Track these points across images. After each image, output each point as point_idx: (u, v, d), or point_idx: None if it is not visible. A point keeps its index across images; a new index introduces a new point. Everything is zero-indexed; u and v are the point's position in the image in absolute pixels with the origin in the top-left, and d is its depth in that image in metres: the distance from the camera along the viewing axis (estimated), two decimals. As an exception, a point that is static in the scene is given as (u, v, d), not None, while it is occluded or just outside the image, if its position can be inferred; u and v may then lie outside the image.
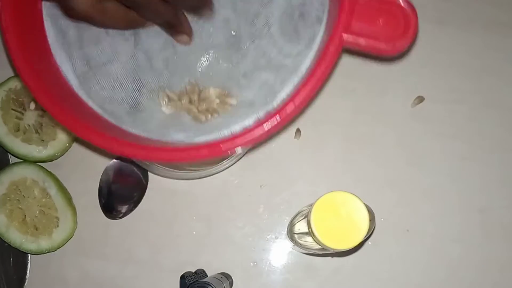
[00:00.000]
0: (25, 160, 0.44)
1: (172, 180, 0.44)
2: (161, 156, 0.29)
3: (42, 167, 0.44)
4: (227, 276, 0.42)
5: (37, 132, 0.44)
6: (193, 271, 0.42)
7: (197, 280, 0.40)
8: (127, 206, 0.44)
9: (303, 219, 0.36)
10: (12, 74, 0.45)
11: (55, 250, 0.44)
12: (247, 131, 0.27)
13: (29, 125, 0.44)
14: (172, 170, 0.42)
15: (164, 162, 0.40)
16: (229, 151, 0.27)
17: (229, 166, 0.41)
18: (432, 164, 0.45)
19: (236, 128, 0.29)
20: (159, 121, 0.33)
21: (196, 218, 0.44)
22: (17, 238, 0.43)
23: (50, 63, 0.31)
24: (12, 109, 0.44)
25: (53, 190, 0.44)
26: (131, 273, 0.44)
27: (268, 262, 0.44)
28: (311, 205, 0.30)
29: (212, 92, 0.33)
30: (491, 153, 0.46)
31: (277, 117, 0.27)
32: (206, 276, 0.42)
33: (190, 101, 0.33)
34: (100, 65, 0.32)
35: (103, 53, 0.32)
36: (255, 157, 0.45)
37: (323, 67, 0.27)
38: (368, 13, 0.27)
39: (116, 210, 0.44)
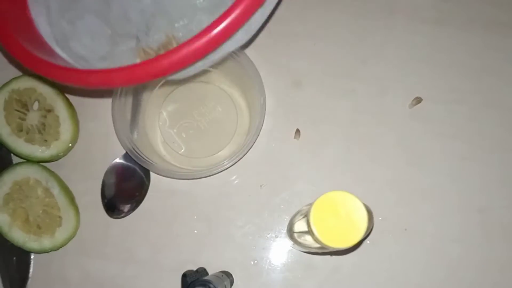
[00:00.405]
0: (28, 160, 0.45)
1: (172, 180, 0.44)
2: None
3: (45, 167, 0.45)
4: (228, 274, 0.42)
5: (40, 132, 0.45)
6: (194, 269, 0.43)
7: (198, 278, 0.40)
8: (129, 205, 0.45)
9: (302, 218, 0.36)
10: (15, 75, 0.45)
11: (58, 249, 0.44)
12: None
13: (32, 126, 0.45)
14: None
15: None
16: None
17: (229, 166, 0.41)
18: (432, 164, 0.45)
19: None
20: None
21: (196, 217, 0.45)
22: (20, 237, 0.43)
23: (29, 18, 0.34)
24: (15, 110, 0.45)
25: (56, 190, 0.44)
26: (132, 272, 0.44)
27: (268, 261, 0.44)
28: (311, 205, 0.31)
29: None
30: (491, 153, 0.46)
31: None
32: (207, 274, 0.42)
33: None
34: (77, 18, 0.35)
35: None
36: (255, 157, 0.45)
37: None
38: None
39: (119, 209, 0.45)
